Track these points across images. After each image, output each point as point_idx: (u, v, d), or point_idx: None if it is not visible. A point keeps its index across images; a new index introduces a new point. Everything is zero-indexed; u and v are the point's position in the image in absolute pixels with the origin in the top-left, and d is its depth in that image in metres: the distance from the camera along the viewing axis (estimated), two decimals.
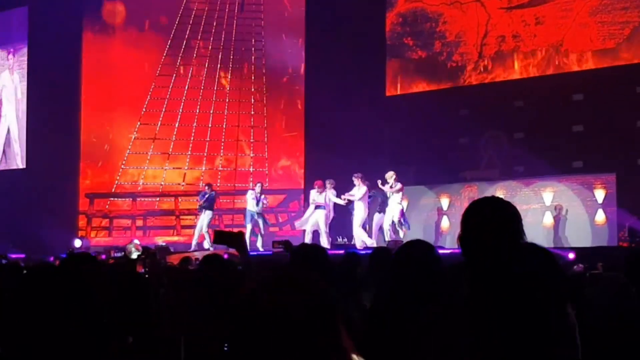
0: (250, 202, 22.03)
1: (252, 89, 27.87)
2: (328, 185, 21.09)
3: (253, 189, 22.55)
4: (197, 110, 27.46)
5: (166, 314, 5.49)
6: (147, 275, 5.70)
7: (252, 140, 27.62)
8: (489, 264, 3.00)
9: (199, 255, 16.76)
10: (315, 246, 5.92)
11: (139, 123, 27.18)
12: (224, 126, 27.54)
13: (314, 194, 21.32)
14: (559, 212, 20.70)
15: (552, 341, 2.76)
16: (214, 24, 28.09)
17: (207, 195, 22.77)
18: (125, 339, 3.76)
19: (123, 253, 16.52)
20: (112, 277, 5.26)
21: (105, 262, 16.91)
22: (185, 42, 27.80)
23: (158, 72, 27.44)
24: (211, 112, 27.52)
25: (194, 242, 23.15)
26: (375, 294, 4.95)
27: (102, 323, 3.64)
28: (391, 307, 4.14)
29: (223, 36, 28.06)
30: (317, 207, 21.18)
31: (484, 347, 2.85)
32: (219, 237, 4.70)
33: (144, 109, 27.19)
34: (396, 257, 4.43)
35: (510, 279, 2.87)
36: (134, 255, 15.10)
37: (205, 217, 22.75)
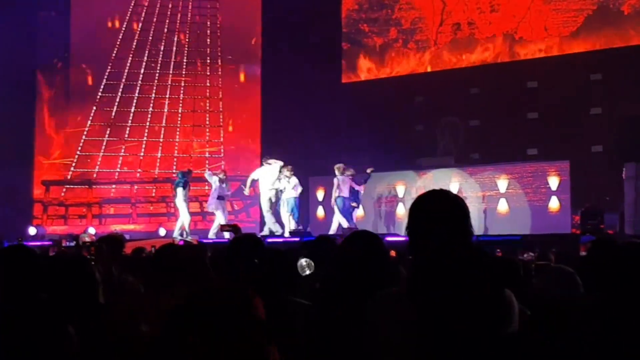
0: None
1: (208, 74, 27.80)
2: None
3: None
4: (153, 95, 27.31)
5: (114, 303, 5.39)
6: (93, 262, 5.58)
7: (207, 125, 27.52)
8: (436, 261, 3.00)
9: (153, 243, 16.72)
10: (251, 236, 5.92)
11: (94, 108, 26.93)
12: (179, 111, 27.43)
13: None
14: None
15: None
16: (170, 5, 28.03)
17: None
18: (66, 328, 3.69)
19: (75, 242, 16.35)
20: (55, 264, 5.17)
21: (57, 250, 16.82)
22: (140, 25, 27.62)
23: (114, 55, 27.27)
24: (166, 96, 27.39)
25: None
26: (320, 285, 4.92)
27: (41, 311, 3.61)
28: (335, 298, 4.11)
29: (179, 18, 27.95)
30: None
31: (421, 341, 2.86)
32: None
33: (99, 95, 26.97)
34: (341, 247, 4.40)
35: (456, 282, 2.88)
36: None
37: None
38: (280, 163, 20.61)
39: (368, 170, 20.83)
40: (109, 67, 27.11)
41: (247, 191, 21.45)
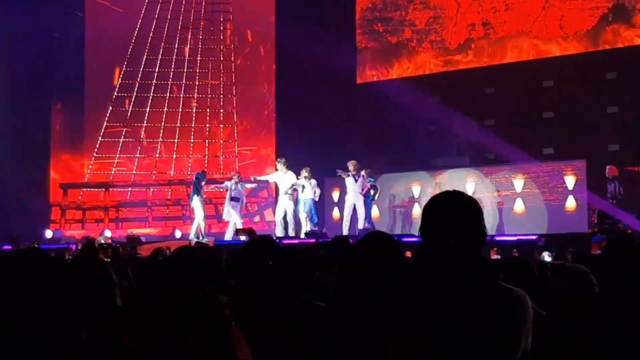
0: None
1: (222, 76, 27.83)
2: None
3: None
4: (167, 95, 27.36)
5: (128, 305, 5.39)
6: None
7: (221, 126, 27.56)
8: (448, 261, 3.01)
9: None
10: (265, 238, 5.96)
11: (110, 108, 26.98)
12: (194, 111, 27.47)
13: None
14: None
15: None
16: (183, 3, 28.09)
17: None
18: (79, 333, 3.70)
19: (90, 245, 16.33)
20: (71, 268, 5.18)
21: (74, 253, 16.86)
22: (155, 22, 27.67)
23: (128, 53, 27.29)
24: (181, 96, 27.44)
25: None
26: (336, 286, 4.92)
27: (53, 317, 3.61)
28: (349, 299, 4.11)
29: (192, 14, 28.00)
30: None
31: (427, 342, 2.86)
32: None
33: (114, 95, 27.01)
34: (355, 248, 4.41)
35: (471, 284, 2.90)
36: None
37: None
38: (293, 180, 20.56)
39: (377, 185, 20.94)
40: (124, 67, 27.17)
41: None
